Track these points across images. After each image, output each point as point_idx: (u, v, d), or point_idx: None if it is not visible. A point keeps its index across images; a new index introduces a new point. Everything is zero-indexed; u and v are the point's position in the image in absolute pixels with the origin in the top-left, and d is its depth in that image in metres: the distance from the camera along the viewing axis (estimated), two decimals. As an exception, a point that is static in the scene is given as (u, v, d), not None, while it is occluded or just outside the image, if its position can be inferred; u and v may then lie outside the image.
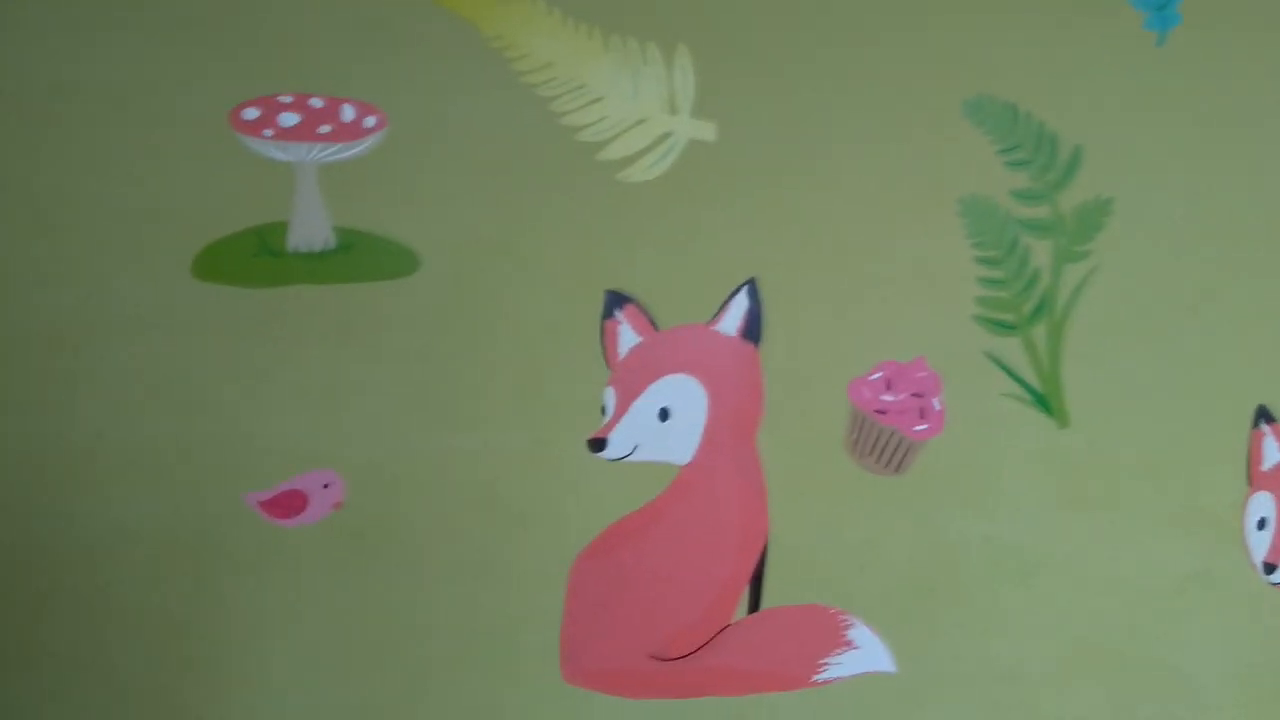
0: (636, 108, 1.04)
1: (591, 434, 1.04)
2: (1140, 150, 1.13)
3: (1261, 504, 1.17)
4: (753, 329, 1.07)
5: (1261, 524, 1.17)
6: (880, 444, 1.10)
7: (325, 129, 0.98)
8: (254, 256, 0.98)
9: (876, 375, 1.10)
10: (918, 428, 1.11)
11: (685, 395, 1.06)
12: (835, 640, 1.09)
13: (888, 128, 1.09)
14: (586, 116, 1.03)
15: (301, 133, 0.98)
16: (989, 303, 1.11)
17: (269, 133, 0.97)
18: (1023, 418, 1.13)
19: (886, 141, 1.09)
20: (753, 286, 1.07)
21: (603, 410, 1.05)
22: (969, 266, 1.11)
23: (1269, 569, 1.17)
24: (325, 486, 0.99)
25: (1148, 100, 1.13)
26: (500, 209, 1.03)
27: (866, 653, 1.10)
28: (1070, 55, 1.12)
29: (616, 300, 1.05)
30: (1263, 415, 1.16)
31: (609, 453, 1.04)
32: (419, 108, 1.02)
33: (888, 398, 1.10)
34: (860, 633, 1.10)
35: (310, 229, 0.98)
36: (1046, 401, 1.13)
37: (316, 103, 0.99)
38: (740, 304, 1.07)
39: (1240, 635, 1.18)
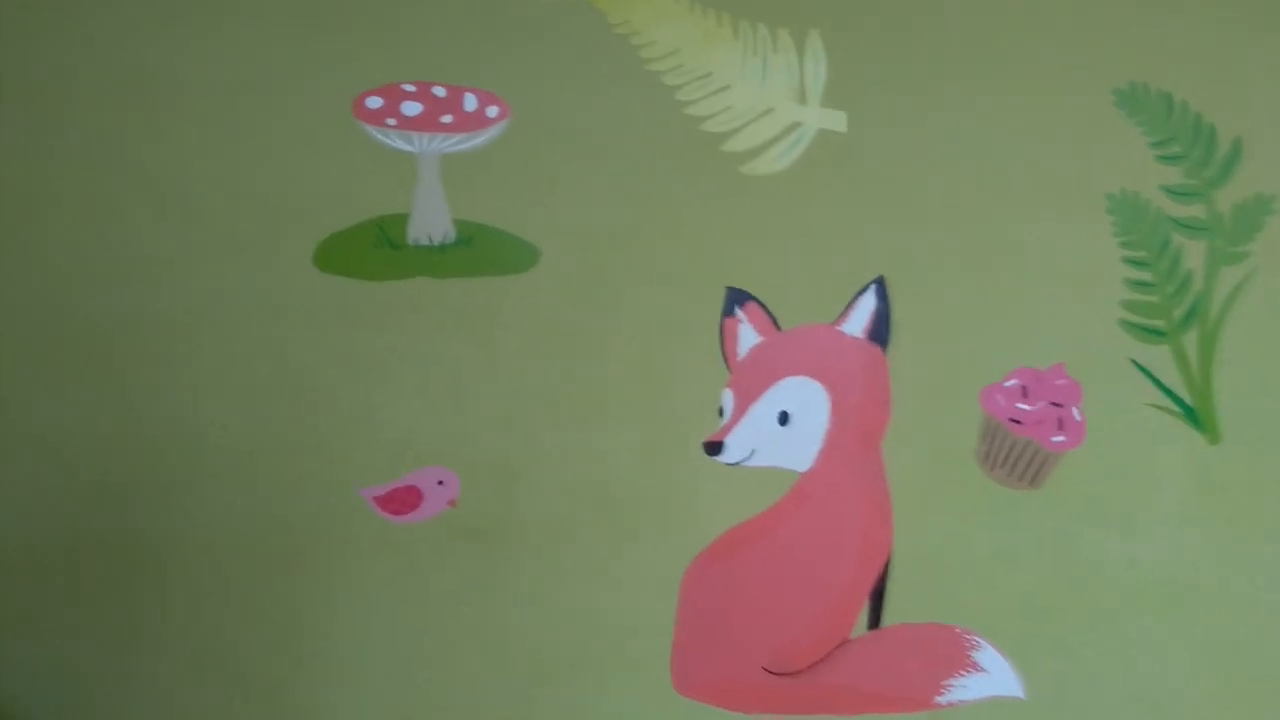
0: (764, 96, 1.00)
1: (708, 437, 1.00)
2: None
3: None
4: (880, 331, 1.02)
5: None
6: (1015, 456, 1.04)
7: (447, 119, 0.96)
8: (375, 248, 0.96)
9: (1012, 382, 1.04)
10: (1055, 439, 1.04)
11: (807, 399, 1.01)
12: (960, 662, 1.03)
13: (1031, 118, 1.03)
14: (712, 106, 1.00)
15: (424, 122, 0.96)
16: (1136, 307, 1.04)
17: (392, 121, 0.96)
18: (1171, 431, 1.05)
19: (1029, 133, 1.02)
20: (881, 285, 1.02)
21: (720, 412, 1.01)
22: (1116, 267, 1.03)
23: None
24: (440, 483, 0.97)
25: (1318, 89, 1.05)
26: (621, 202, 1.00)
27: (994, 676, 1.04)
28: (1230, 40, 1.04)
29: (737, 297, 1.01)
30: None
31: (726, 456, 1.00)
32: (542, 97, 0.99)
33: (1024, 406, 1.03)
34: (987, 655, 1.03)
35: (431, 221, 0.97)
36: (1197, 414, 1.05)
37: (439, 91, 0.97)
38: (867, 304, 1.02)
39: None
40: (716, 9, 1.00)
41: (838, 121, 1.01)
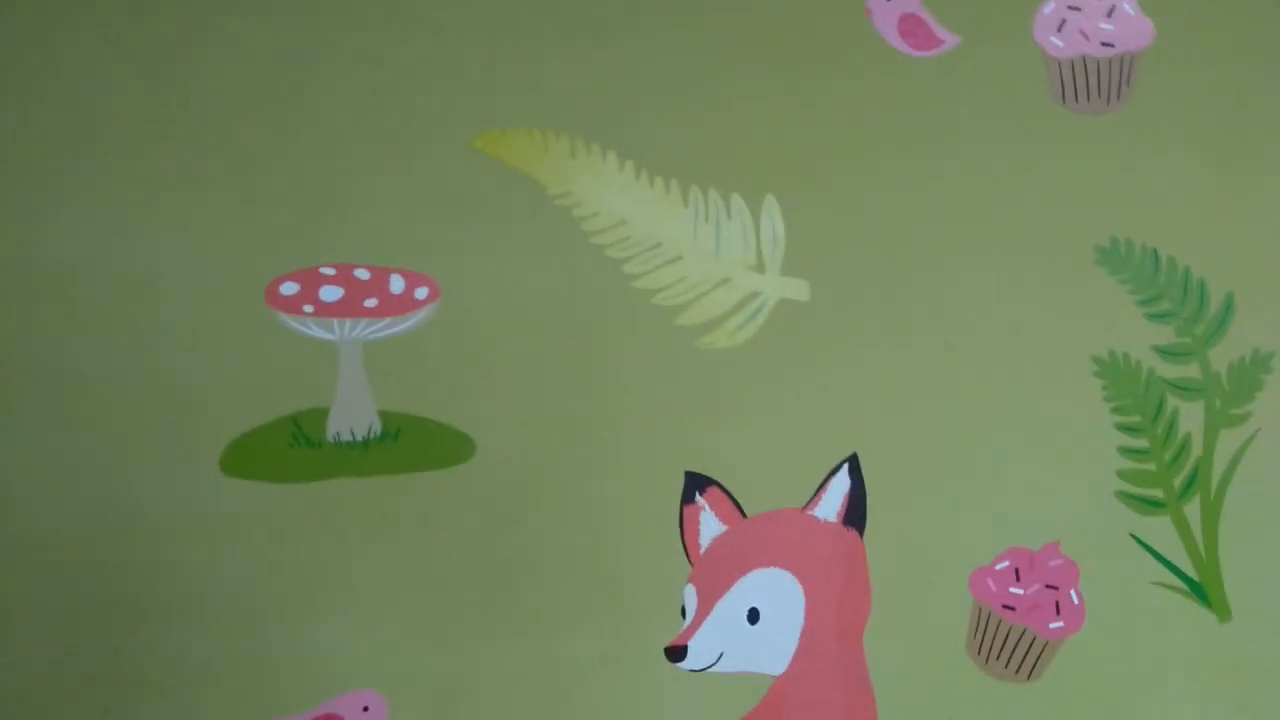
0: (719, 266, 0.93)
1: (671, 641, 0.90)
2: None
3: None
4: (855, 513, 0.93)
5: None
6: (1009, 645, 0.94)
7: (371, 303, 0.88)
8: (290, 447, 0.87)
9: (1003, 565, 0.94)
10: (1053, 625, 0.94)
11: (778, 593, 0.91)
12: None
13: (1010, 280, 0.95)
14: (664, 278, 0.92)
15: (345, 308, 0.88)
16: (1133, 476, 0.95)
17: (309, 309, 0.88)
18: (1177, 610, 0.96)
19: (1008, 295, 0.95)
20: (854, 464, 0.93)
21: (683, 612, 0.91)
22: (1109, 435, 0.95)
23: None
24: (365, 709, 0.86)
25: (1309, 235, 0.98)
26: (566, 385, 0.91)
27: None
28: (1218, 190, 0.98)
29: (697, 483, 0.91)
30: None
31: (690, 663, 0.90)
32: (477, 275, 0.91)
33: (1017, 591, 0.94)
34: None
35: (353, 415, 0.87)
36: (1204, 591, 0.96)
37: (362, 274, 0.89)
38: (840, 485, 0.93)
39: None
40: (664, 175, 0.93)
41: (799, 290, 0.93)
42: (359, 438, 0.87)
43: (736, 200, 0.94)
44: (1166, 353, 0.96)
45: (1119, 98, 0.98)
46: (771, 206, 0.93)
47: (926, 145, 0.96)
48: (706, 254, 0.92)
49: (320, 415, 0.88)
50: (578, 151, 0.92)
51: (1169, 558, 0.96)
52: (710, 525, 0.92)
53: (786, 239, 0.94)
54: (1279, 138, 0.99)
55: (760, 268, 0.93)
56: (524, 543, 0.90)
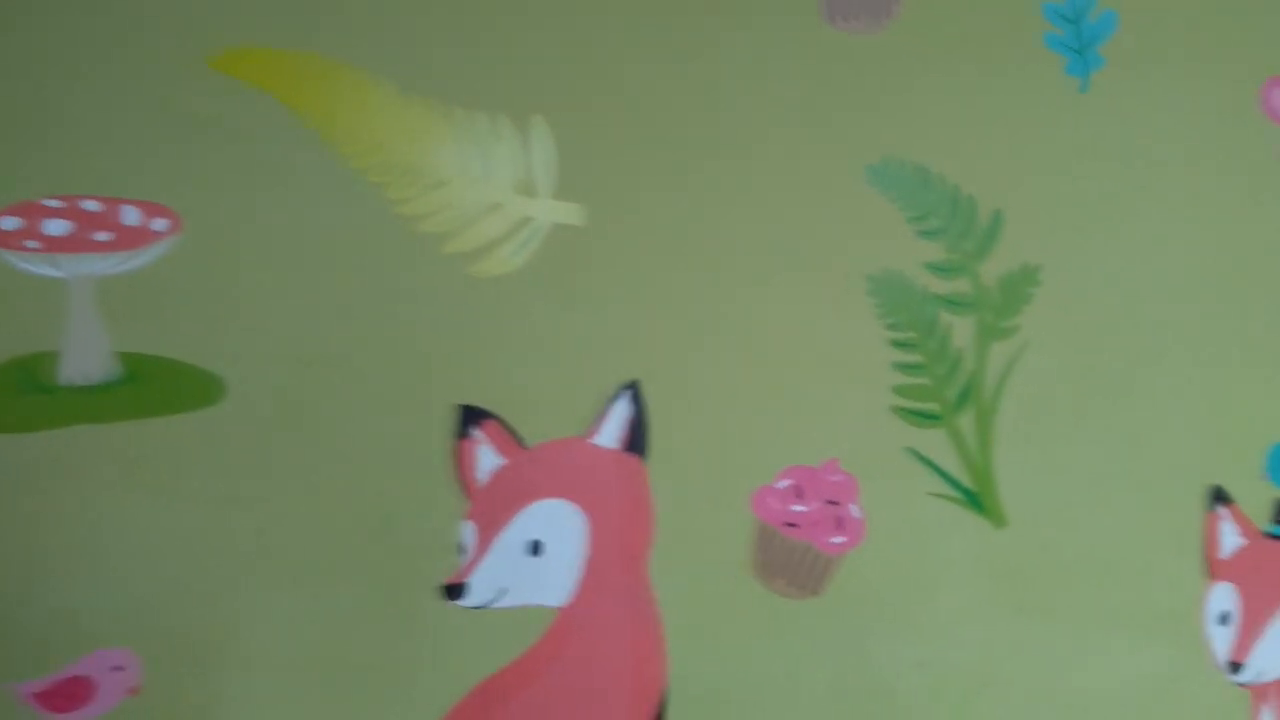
0: (488, 191, 0.89)
1: (448, 578, 0.88)
2: (1068, 210, 1.01)
3: (1222, 596, 1.04)
4: (637, 440, 0.92)
5: (1224, 619, 1.05)
6: (793, 561, 0.96)
7: (103, 236, 0.81)
8: (19, 394, 0.80)
9: (784, 483, 0.96)
10: (835, 540, 0.96)
11: (560, 523, 0.90)
12: (753, 795, 0.94)
13: (782, 200, 0.95)
14: (429, 204, 0.88)
15: (73, 242, 0.81)
16: (908, 391, 0.98)
17: (33, 244, 0.81)
18: (954, 519, 0.99)
19: (781, 216, 0.95)
20: (634, 391, 0.92)
21: (460, 549, 0.89)
22: (883, 352, 0.97)
23: (1234, 668, 1.05)
24: (117, 669, 0.81)
25: (1073, 154, 1.01)
26: (326, 318, 0.87)
27: (790, 806, 0.95)
28: (984, 108, 1.00)
29: (472, 416, 0.89)
30: (1218, 497, 1.04)
31: (470, 599, 0.88)
32: (222, 205, 0.85)
33: (799, 508, 0.96)
34: (778, 783, 0.95)
35: (87, 358, 0.81)
36: (979, 499, 0.99)
37: (91, 205, 0.82)
38: (621, 412, 0.92)
39: (1208, 746, 1.05)
40: (424, 95, 0.89)
41: (574, 215, 0.91)
42: (94, 381, 0.81)
43: (504, 121, 0.90)
44: (938, 269, 0.99)
45: (887, 15, 0.98)
46: (541, 128, 0.91)
47: (699, 65, 0.95)
48: (474, 178, 0.89)
49: (52, 359, 0.82)
50: (329, 71, 0.87)
51: (945, 469, 0.99)
52: (487, 459, 0.89)
53: (559, 162, 0.91)
54: (1041, 55, 1.02)
55: (532, 192, 0.91)
56: (284, 486, 0.86)
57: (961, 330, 0.99)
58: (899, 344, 0.97)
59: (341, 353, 0.87)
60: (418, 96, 0.89)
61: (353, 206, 0.87)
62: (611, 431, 0.92)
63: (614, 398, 0.92)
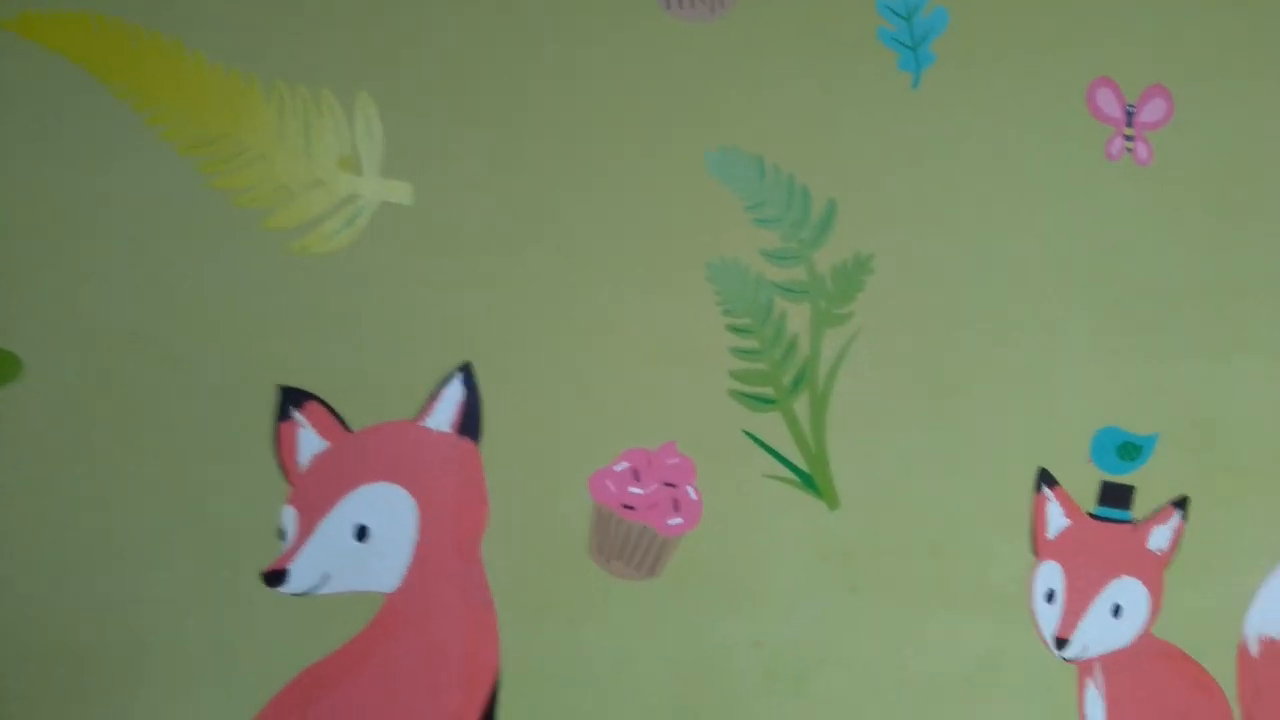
0: (311, 167, 0.87)
1: (267, 565, 0.85)
2: (900, 202, 1.04)
3: (1049, 575, 1.09)
4: (470, 423, 0.91)
5: (1050, 596, 1.09)
6: (631, 544, 0.96)
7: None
8: None
9: (621, 466, 0.96)
10: (672, 522, 0.97)
11: (388, 508, 0.89)
12: (588, 779, 0.94)
13: (620, 185, 0.96)
14: (246, 178, 0.86)
15: None
16: (745, 376, 0.99)
17: None
18: (789, 501, 1.01)
19: (619, 201, 0.95)
20: (467, 373, 0.91)
21: (281, 534, 0.86)
22: (721, 337, 0.99)
23: (1060, 644, 1.10)
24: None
25: (906, 147, 1.04)
26: (135, 294, 0.83)
27: (625, 789, 0.95)
28: (819, 100, 1.02)
29: (293, 397, 0.87)
30: (1044, 480, 1.08)
31: (292, 586, 0.85)
32: (21, 176, 0.81)
33: (636, 490, 0.96)
34: (617, 767, 0.95)
35: None
36: (814, 481, 1.01)
37: None
38: (453, 394, 0.91)
39: (1035, 719, 1.09)
40: (244, 67, 0.87)
41: (402, 193, 0.90)
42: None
43: (327, 96, 0.88)
44: (774, 256, 1.00)
45: (723, 5, 1.00)
46: (367, 104, 0.89)
47: (535, 48, 0.94)
48: (295, 153, 0.87)
49: None
50: (138, 37, 0.84)
51: (781, 451, 1.00)
52: (310, 442, 0.87)
53: (386, 140, 0.90)
54: (875, 50, 1.04)
55: (357, 169, 0.89)
56: (90, 471, 0.82)
57: (797, 317, 1.01)
58: (736, 329, 0.99)
59: (155, 332, 0.84)
60: (236, 68, 0.86)
61: (165, 180, 0.84)
62: (443, 414, 0.90)
63: (445, 380, 0.91)
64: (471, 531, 0.91)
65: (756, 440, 0.99)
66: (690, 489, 0.98)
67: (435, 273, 0.91)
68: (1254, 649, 1.17)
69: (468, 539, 0.91)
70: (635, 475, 0.96)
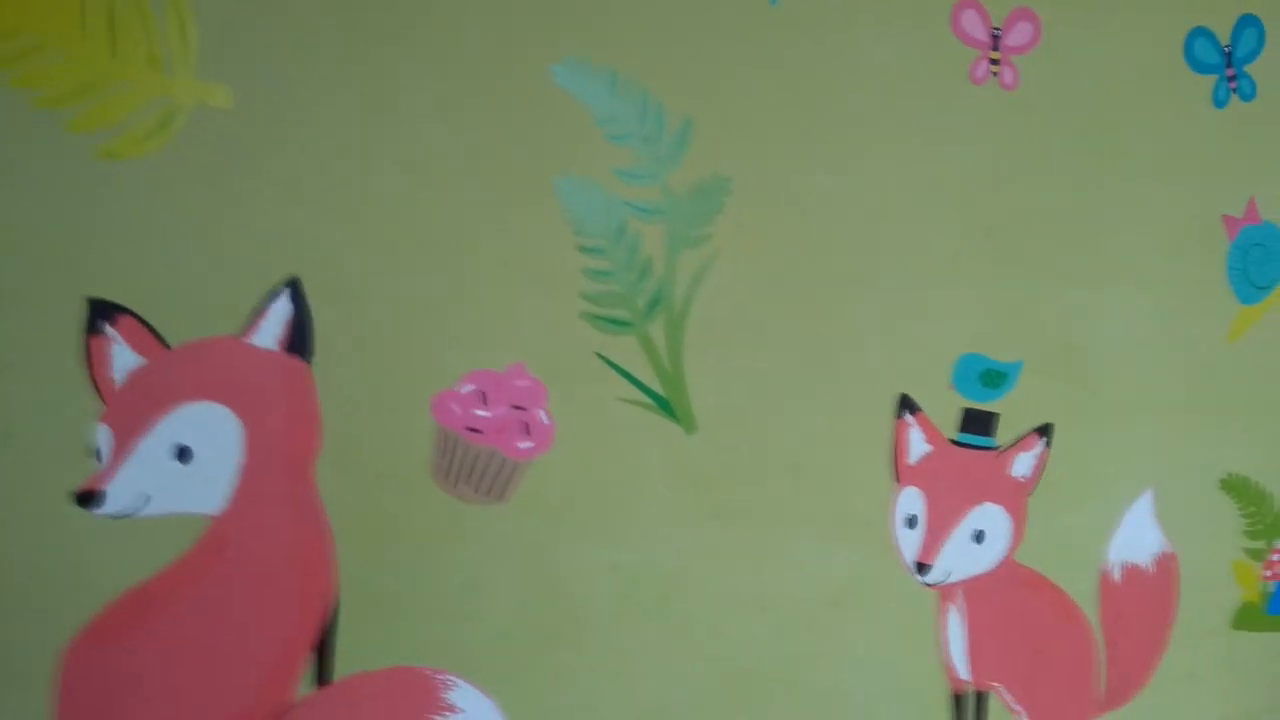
0: (117, 66, 0.82)
1: (80, 485, 0.81)
2: (760, 121, 1.01)
3: (909, 500, 1.09)
4: (299, 340, 0.88)
5: (911, 522, 1.10)
6: (478, 468, 0.94)
7: None
8: None
9: (467, 388, 0.93)
10: (522, 445, 0.95)
11: (211, 428, 0.85)
12: (432, 706, 0.92)
13: (464, 95, 0.91)
14: (47, 77, 0.80)
15: None
16: (597, 297, 0.97)
17: None
18: (645, 425, 0.99)
19: (463, 111, 0.91)
20: (295, 288, 0.87)
21: (96, 454, 0.82)
22: (571, 257, 0.96)
23: (921, 569, 1.10)
24: None
25: (765, 65, 1.02)
26: (-77, 200, 0.79)
27: (473, 715, 0.93)
28: (675, 15, 0.99)
29: (104, 311, 0.82)
30: (906, 405, 1.08)
31: (109, 507, 0.81)
32: None
33: (482, 413, 0.93)
34: (464, 694, 0.93)
35: None
36: (670, 405, 1.00)
37: None
38: (279, 310, 0.87)
39: (897, 644, 1.10)
40: (38, -44, 0.81)
41: (219, 96, 0.85)
42: None
43: (134, -9, 0.83)
44: (627, 175, 0.98)
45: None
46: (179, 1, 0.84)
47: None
48: (100, 50, 0.82)
49: None
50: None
51: (636, 375, 0.98)
52: (124, 358, 0.83)
53: (200, 38, 0.85)
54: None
55: (168, 69, 0.84)
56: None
57: (652, 238, 0.99)
58: (587, 250, 0.96)
59: (-56, 239, 0.79)
60: (30, -43, 0.81)
61: (-47, 75, 0.78)
62: (269, 331, 0.87)
63: (272, 296, 0.87)
64: (302, 453, 0.88)
65: (610, 363, 0.97)
66: (541, 412, 0.95)
67: (260, 183, 0.86)
68: (1116, 575, 1.19)
69: (298, 461, 0.87)
70: (482, 398, 0.93)
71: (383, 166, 0.90)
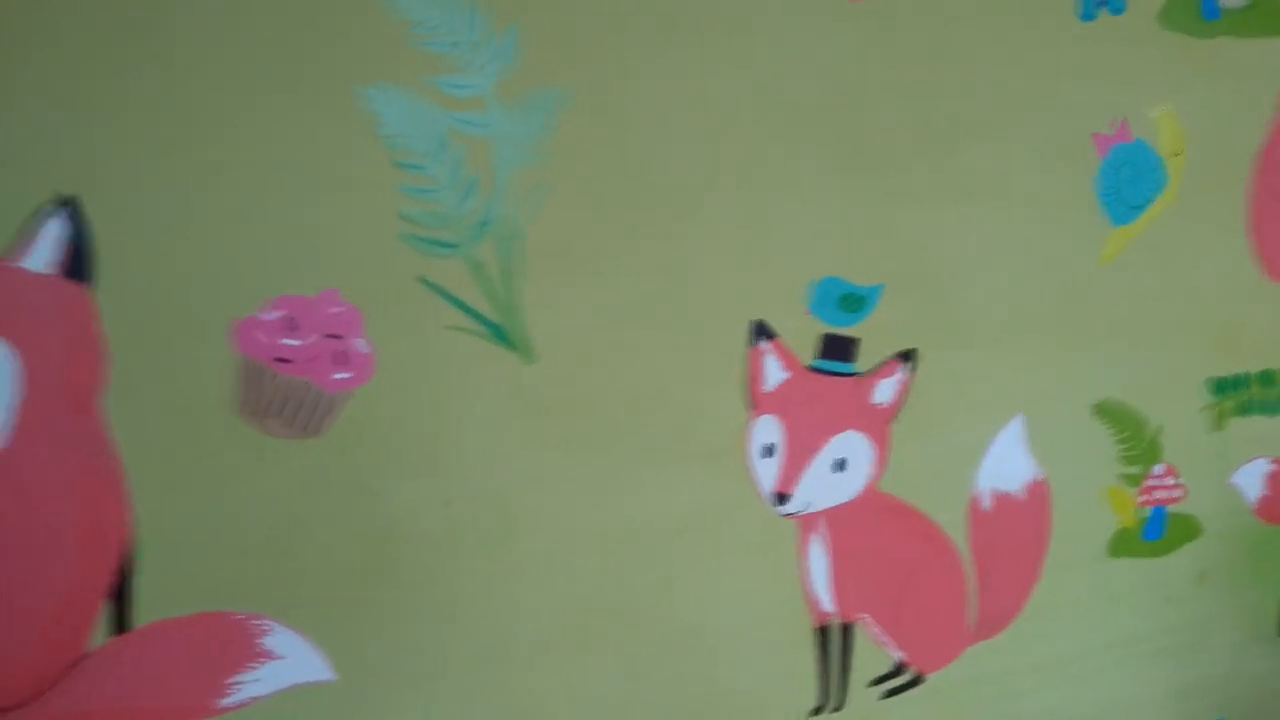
0: None
1: None
2: (595, 28, 0.95)
3: (766, 429, 1.06)
4: (79, 265, 0.80)
5: (768, 451, 1.06)
6: (291, 401, 0.88)
7: None
8: None
9: (273, 315, 0.87)
10: (338, 376, 0.89)
11: (-20, 359, 0.79)
12: (246, 652, 0.87)
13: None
14: None
15: None
16: (418, 217, 0.91)
17: None
18: (478, 354, 0.94)
19: (254, 10, 0.85)
20: (73, 208, 0.80)
21: None
22: (386, 172, 0.90)
23: (780, 499, 1.07)
24: None
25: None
26: None
27: (292, 661, 0.88)
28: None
29: None
30: (761, 332, 1.04)
31: None
32: None
33: (292, 342, 0.87)
34: (282, 638, 0.88)
35: None
36: (506, 333, 0.95)
37: None
38: (54, 231, 0.79)
39: (756, 577, 1.07)
40: None
41: (-30, -6, 0.77)
42: None
43: None
44: (450, 85, 0.91)
45: None
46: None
47: None
48: None
49: None
50: None
51: (466, 301, 0.93)
52: None
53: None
54: None
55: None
56: None
57: (480, 153, 0.93)
58: (405, 165, 0.90)
59: None
60: None
61: None
62: (43, 254, 0.79)
63: (44, 215, 0.79)
64: (86, 386, 0.81)
65: (435, 288, 0.92)
66: (359, 341, 0.90)
67: (25, 89, 0.79)
68: (986, 503, 1.17)
69: (82, 394, 0.81)
70: (290, 325, 0.87)
71: (161, 73, 0.81)
